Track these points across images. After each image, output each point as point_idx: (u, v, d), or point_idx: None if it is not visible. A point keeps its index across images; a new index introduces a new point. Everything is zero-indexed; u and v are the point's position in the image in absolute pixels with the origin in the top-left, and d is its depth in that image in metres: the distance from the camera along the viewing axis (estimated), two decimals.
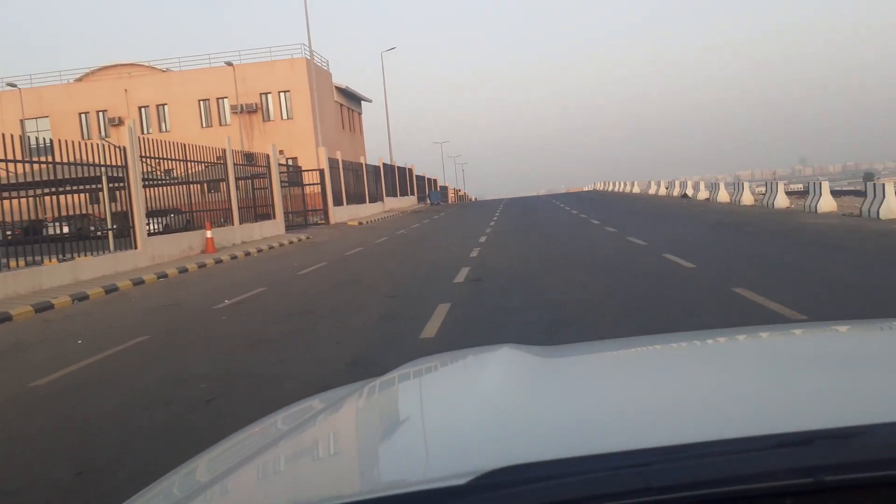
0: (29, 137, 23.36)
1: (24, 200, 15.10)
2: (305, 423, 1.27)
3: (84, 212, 18.54)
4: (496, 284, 9.46)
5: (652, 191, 41.97)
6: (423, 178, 61.00)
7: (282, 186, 28.93)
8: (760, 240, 13.21)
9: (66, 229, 15.96)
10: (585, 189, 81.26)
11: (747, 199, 24.30)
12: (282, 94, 39.84)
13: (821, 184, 18.32)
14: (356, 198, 36.22)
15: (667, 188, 39.48)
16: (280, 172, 28.91)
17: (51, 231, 15.38)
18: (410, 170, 53.18)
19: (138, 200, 16.46)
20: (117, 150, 16.35)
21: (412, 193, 53.34)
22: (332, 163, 32.44)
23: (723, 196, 26.97)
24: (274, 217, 25.12)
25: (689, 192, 32.66)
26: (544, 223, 23.38)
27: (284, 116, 39.95)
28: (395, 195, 46.78)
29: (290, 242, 22.26)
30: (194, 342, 7.32)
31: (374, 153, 46.03)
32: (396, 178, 47.25)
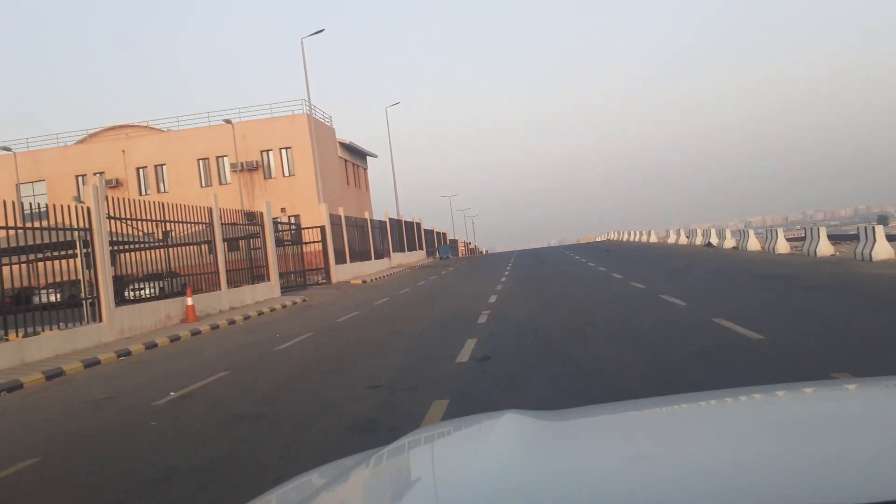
0: (23, 202, 22.37)
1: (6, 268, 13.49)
2: (310, 498, 1.22)
3: (72, 278, 16.88)
4: (509, 367, 7.42)
5: (671, 240, 39.95)
6: (432, 231, 59.42)
7: (284, 245, 27.27)
8: (831, 297, 11.05)
9: (54, 297, 14.89)
10: (598, 239, 79.39)
11: (782, 246, 22.19)
12: (283, 151, 38.61)
13: (873, 228, 16.43)
14: (361, 255, 34.46)
15: (687, 237, 37.47)
16: (281, 231, 27.25)
17: (43, 299, 14.65)
18: (418, 224, 51.60)
19: (104, 265, 14.66)
20: (85, 210, 14.69)
21: (420, 248, 51.63)
22: (334, 219, 30.80)
23: (753, 244, 24.88)
24: (268, 279, 23.29)
25: (714, 240, 30.61)
26: (560, 279, 21.38)
27: (286, 173, 38.63)
28: (403, 250, 45.05)
29: (283, 306, 20.35)
30: (91, 471, 5.30)
31: (382, 208, 45.41)
32: (404, 233, 45.60)
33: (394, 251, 42.75)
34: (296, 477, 1.49)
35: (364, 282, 28.94)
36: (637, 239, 48.60)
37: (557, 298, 14.92)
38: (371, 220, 37.12)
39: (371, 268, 35.24)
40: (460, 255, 77.40)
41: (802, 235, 22.30)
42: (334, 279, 29.02)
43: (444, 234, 67.23)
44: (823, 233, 19.75)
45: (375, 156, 49.00)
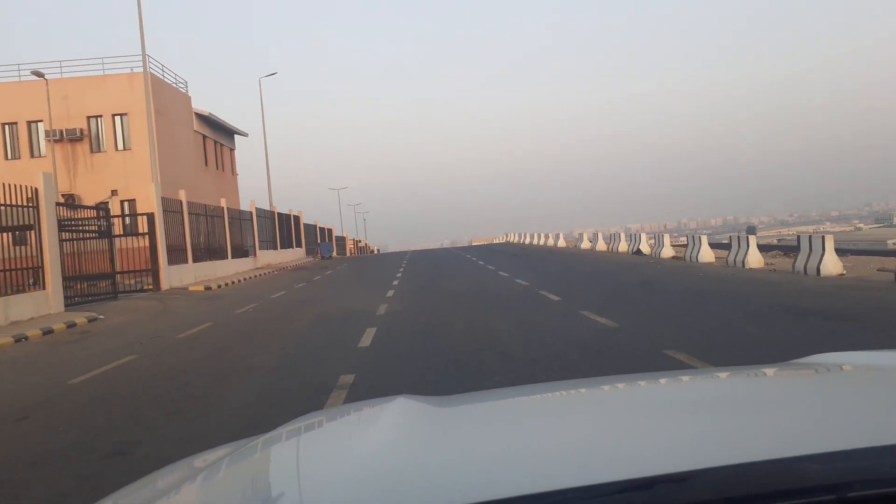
0: None
1: None
2: (174, 489, 1.18)
3: None
4: None
5: (585, 245, 35.13)
6: (315, 227, 52.23)
7: (104, 237, 19.76)
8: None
9: None
10: (496, 241, 74.63)
11: (707, 255, 18.61)
12: (117, 119, 30.45)
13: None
14: (212, 252, 27.13)
15: (607, 242, 32.77)
16: (85, 221, 19.65)
17: None
18: (296, 217, 44.37)
19: None
20: None
21: (299, 245, 44.45)
22: (171, 204, 23.41)
23: (706, 255, 19.96)
24: (43, 286, 15.82)
25: (644, 247, 25.78)
26: (469, 291, 15.47)
27: (120, 146, 30.50)
28: (275, 247, 37.82)
29: (47, 332, 13.12)
30: None
31: (256, 198, 38.38)
32: (276, 227, 38.35)
33: (263, 248, 35.50)
34: (161, 469, 1.37)
35: (208, 288, 21.83)
36: (543, 243, 43.63)
37: (472, 320, 9.05)
38: (229, 210, 29.76)
39: (226, 269, 27.97)
40: (348, 253, 70.37)
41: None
42: (165, 285, 21.69)
43: (330, 231, 60.11)
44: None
45: (245, 134, 41.27)
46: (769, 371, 1.64)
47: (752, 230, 43.61)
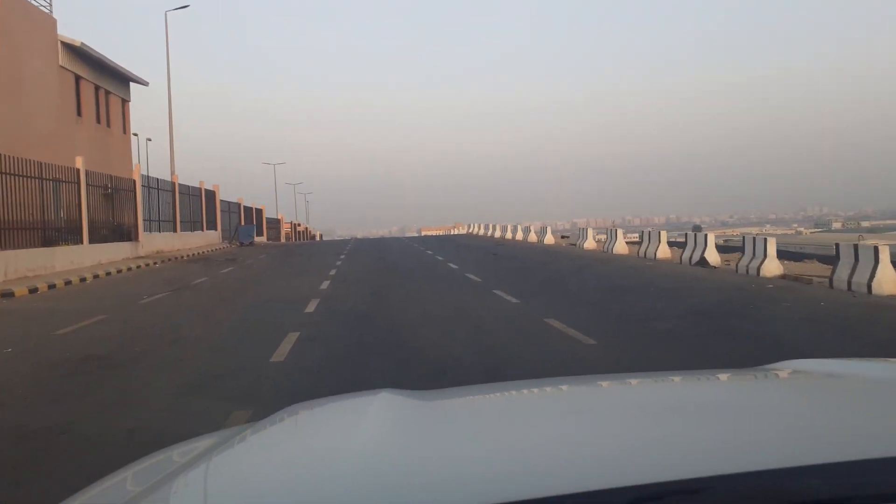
0: None
1: None
2: (154, 484, 1.09)
3: None
4: None
5: (589, 245, 27.56)
6: (239, 206, 43.47)
7: None
8: None
9: None
10: (454, 231, 66.73)
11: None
12: None
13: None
14: (52, 236, 18.56)
15: (597, 240, 25.54)
16: None
17: None
18: (210, 192, 35.65)
19: None
20: None
21: (213, 227, 35.79)
22: None
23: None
24: None
25: (711, 255, 18.51)
26: (436, 306, 7.90)
27: None
28: (174, 229, 29.23)
29: None
30: None
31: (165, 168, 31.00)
32: (177, 204, 29.71)
33: (156, 230, 26.94)
34: (140, 459, 1.32)
35: (35, 291, 13.48)
36: (522, 238, 35.88)
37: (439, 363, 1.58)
38: (89, 175, 21.09)
39: (82, 258, 19.45)
40: (283, 238, 61.61)
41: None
42: None
43: (259, 211, 51.32)
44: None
45: (145, 83, 32.13)
46: (752, 376, 1.58)
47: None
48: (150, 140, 49.73)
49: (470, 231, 50.49)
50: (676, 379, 1.64)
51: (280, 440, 1.31)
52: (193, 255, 27.05)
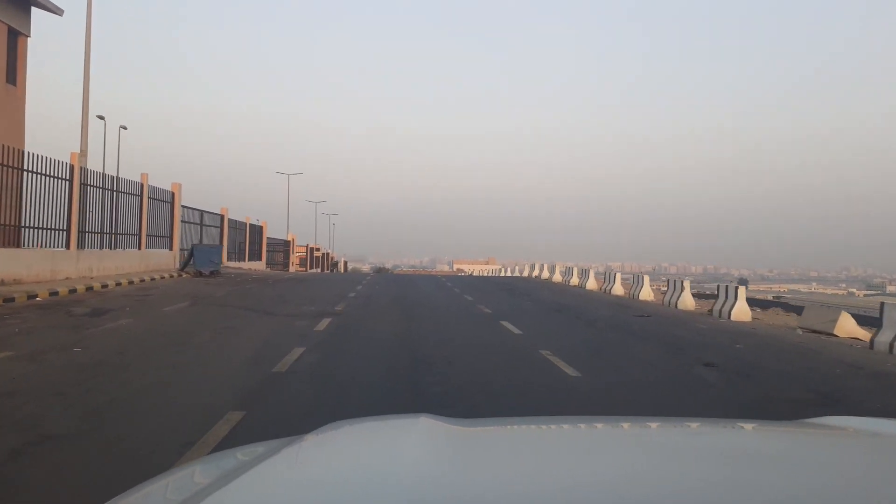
0: None
1: None
2: (204, 492, 1.07)
3: None
4: None
5: (688, 304, 16.28)
6: (222, 218, 31.55)
7: None
8: None
9: None
10: (507, 273, 53.51)
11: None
12: None
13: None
14: None
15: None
16: None
17: None
18: (165, 192, 23.76)
19: None
20: None
21: (169, 245, 23.88)
22: None
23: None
24: None
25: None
26: None
27: None
28: (67, 244, 17.35)
29: None
30: None
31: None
32: (75, 201, 17.82)
33: (51, 242, 15.12)
34: (189, 464, 1.47)
35: None
36: (575, 282, 23.47)
37: None
38: None
39: None
40: (291, 267, 49.69)
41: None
42: None
43: (260, 229, 39.53)
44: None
45: (58, 12, 20.59)
46: (792, 429, 1.63)
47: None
48: (124, 128, 38.33)
49: (513, 272, 41.43)
50: (726, 428, 1.68)
51: (322, 459, 1.29)
52: (77, 293, 15.04)
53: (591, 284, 26.74)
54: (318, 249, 66.75)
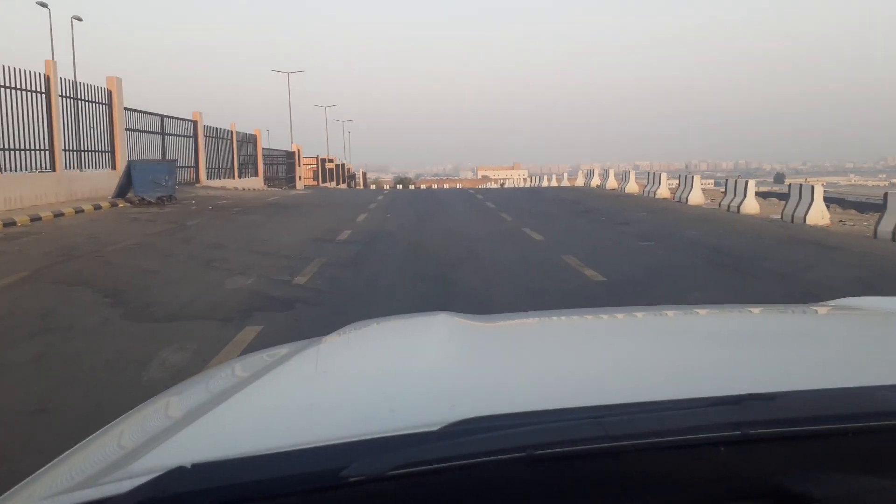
0: None
1: None
2: (255, 375, 1.15)
3: None
4: None
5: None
6: (195, 125, 25.27)
7: None
8: None
9: None
10: (556, 184, 46.39)
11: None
12: None
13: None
14: None
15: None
16: None
17: None
18: (98, 89, 17.58)
19: None
20: None
21: (113, 164, 17.92)
22: None
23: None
24: None
25: None
26: None
27: None
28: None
29: None
30: None
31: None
32: None
33: None
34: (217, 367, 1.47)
35: None
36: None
37: None
38: None
39: None
40: (298, 184, 43.29)
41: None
42: None
43: (255, 138, 33.28)
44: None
45: None
46: (806, 310, 1.64)
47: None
48: (78, 19, 31.56)
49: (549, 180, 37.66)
50: (735, 311, 1.69)
51: (343, 355, 1.32)
52: None
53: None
54: (331, 161, 60.25)
